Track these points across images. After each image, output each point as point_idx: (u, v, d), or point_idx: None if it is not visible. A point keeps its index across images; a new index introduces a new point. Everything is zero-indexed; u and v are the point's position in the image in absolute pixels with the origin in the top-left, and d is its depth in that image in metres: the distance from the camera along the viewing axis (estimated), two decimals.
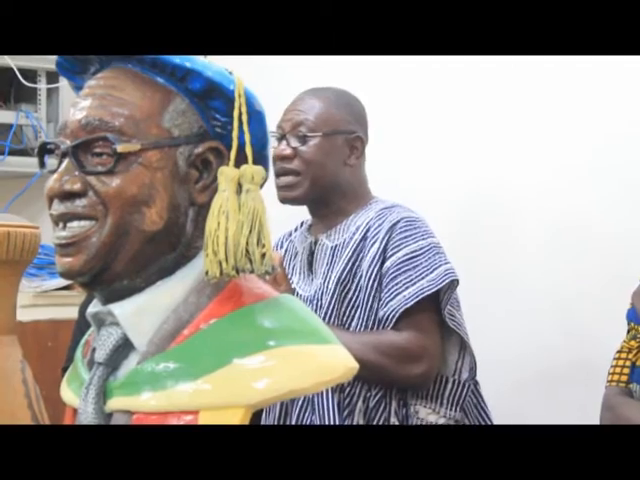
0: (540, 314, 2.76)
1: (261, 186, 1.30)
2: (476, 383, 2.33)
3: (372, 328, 2.25)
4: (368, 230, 2.31)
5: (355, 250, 2.30)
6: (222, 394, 1.20)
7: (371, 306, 2.25)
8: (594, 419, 2.11)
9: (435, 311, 2.25)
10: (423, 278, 2.22)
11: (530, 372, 2.76)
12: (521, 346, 2.78)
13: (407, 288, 2.22)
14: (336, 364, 1.24)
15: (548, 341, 2.74)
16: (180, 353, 1.24)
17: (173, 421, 1.20)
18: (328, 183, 2.34)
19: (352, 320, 2.27)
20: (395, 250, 2.26)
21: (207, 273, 1.25)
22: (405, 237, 2.27)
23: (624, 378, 2.10)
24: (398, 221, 2.28)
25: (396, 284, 2.23)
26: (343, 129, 2.36)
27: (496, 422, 2.37)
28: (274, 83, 2.43)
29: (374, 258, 2.27)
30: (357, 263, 2.29)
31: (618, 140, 2.64)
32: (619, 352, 2.15)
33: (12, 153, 3.72)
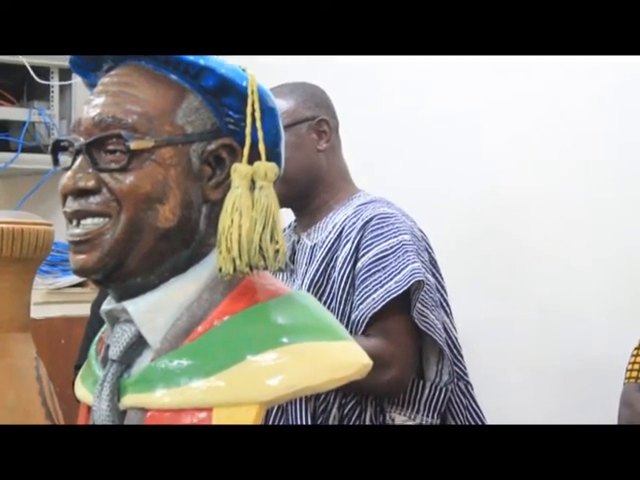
0: (552, 315, 2.74)
1: (274, 183, 1.30)
2: (467, 384, 2.24)
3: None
4: (343, 228, 2.22)
5: (330, 250, 2.22)
6: (236, 391, 1.20)
7: (344, 310, 2.17)
8: (613, 417, 2.11)
9: (407, 313, 2.14)
10: (391, 280, 2.12)
11: (545, 372, 2.75)
12: (535, 346, 2.77)
13: (376, 291, 2.12)
14: (350, 361, 1.25)
15: (562, 341, 2.72)
16: (194, 350, 1.24)
17: (187, 418, 1.20)
18: (304, 177, 2.26)
19: None
20: (366, 250, 2.16)
21: (220, 270, 1.25)
22: (376, 236, 2.17)
23: None
24: (371, 218, 2.19)
25: (366, 286, 2.13)
26: (304, 116, 2.29)
27: (507, 422, 2.36)
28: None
29: (346, 259, 2.18)
30: (331, 264, 2.21)
31: (629, 147, 2.62)
32: (637, 349, 2.14)
33: (25, 150, 3.73)
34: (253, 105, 1.30)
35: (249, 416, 1.19)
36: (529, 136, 2.80)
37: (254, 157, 1.29)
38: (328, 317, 1.31)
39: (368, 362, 1.26)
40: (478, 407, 2.27)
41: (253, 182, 1.28)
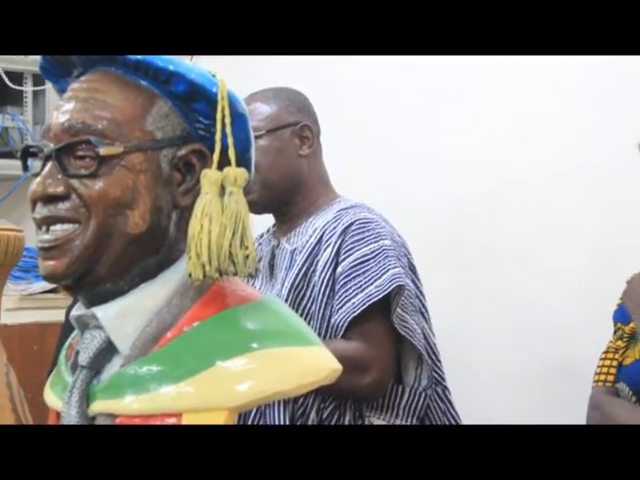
0: (526, 318, 2.75)
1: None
2: (444, 389, 2.26)
3: (325, 337, 2.16)
4: (324, 233, 2.22)
5: (310, 255, 2.23)
6: (205, 396, 1.20)
7: (324, 314, 2.17)
8: (581, 419, 2.12)
9: (386, 317, 2.15)
10: (372, 284, 2.13)
11: (521, 376, 2.76)
12: (510, 350, 2.78)
13: (356, 295, 2.12)
14: (319, 366, 1.25)
15: (537, 345, 2.73)
16: (163, 356, 1.24)
17: (156, 424, 1.20)
18: (285, 182, 2.27)
19: None
20: (347, 255, 2.17)
21: (190, 276, 1.25)
22: (357, 240, 2.18)
23: (611, 378, 2.11)
24: (352, 223, 2.20)
25: (346, 291, 2.14)
26: (287, 122, 2.30)
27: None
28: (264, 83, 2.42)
29: (327, 263, 2.18)
30: (312, 268, 2.21)
31: (602, 152, 2.63)
32: (606, 352, 2.15)
33: None
34: (223, 111, 1.30)
35: (218, 422, 1.19)
36: (504, 142, 2.81)
37: (224, 163, 1.29)
38: (298, 322, 1.31)
39: (337, 367, 1.26)
40: (456, 412, 2.28)
41: (223, 188, 1.28)
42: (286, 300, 2.20)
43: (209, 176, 1.27)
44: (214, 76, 1.32)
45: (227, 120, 1.30)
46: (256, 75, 2.73)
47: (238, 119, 1.32)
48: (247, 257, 1.26)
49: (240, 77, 2.31)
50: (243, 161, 1.32)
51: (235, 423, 2.16)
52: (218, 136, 1.29)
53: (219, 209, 1.26)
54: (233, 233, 1.26)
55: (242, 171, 1.29)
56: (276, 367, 1.21)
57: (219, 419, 1.19)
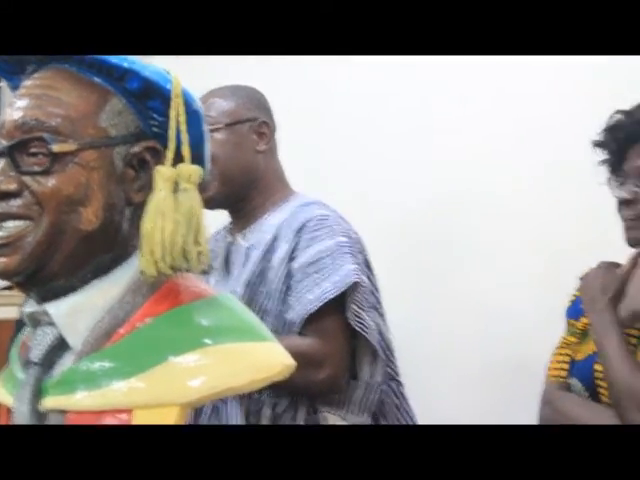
0: (482, 316, 2.78)
1: (199, 185, 1.30)
2: (398, 384, 2.27)
3: (281, 333, 2.16)
4: (280, 230, 2.23)
5: (266, 251, 2.23)
6: (157, 392, 1.20)
7: (279, 310, 2.18)
8: (533, 415, 2.14)
9: (342, 313, 2.16)
10: (327, 281, 2.13)
11: (476, 372, 2.78)
12: (462, 347, 2.80)
13: (312, 291, 2.13)
14: (272, 362, 1.25)
15: (492, 342, 2.76)
16: (115, 352, 1.25)
17: (107, 420, 1.20)
18: (242, 177, 2.28)
19: None
20: (302, 251, 2.18)
21: (143, 272, 1.26)
22: (313, 237, 2.18)
23: (563, 373, 2.12)
24: (309, 220, 2.20)
25: (302, 287, 2.15)
26: (245, 117, 2.30)
27: (438, 422, 2.38)
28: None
29: (283, 260, 2.19)
30: (267, 265, 2.22)
31: (559, 156, 2.66)
32: (558, 348, 2.17)
33: None
34: (177, 108, 1.30)
35: (170, 418, 1.19)
36: (462, 144, 2.83)
37: (178, 160, 1.30)
38: (251, 319, 1.31)
39: (291, 363, 1.27)
40: (409, 407, 2.29)
41: (177, 185, 1.28)
42: (242, 296, 2.20)
43: (163, 173, 1.28)
44: (168, 73, 1.33)
45: (181, 117, 1.30)
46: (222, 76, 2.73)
47: (192, 116, 1.32)
48: (200, 254, 1.26)
49: (209, 77, 2.33)
50: (197, 158, 1.32)
51: (188, 419, 2.20)
52: (172, 133, 1.30)
53: (173, 206, 1.26)
54: (187, 230, 1.26)
55: (196, 168, 1.29)
56: (229, 363, 1.22)
57: (171, 415, 1.19)
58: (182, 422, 1.20)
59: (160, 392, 1.20)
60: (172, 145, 1.29)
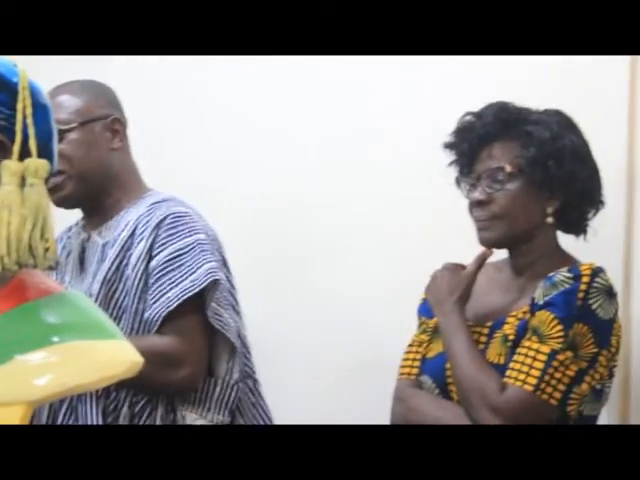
0: (333, 312, 2.79)
1: (46, 180, 1.28)
2: (255, 382, 2.28)
3: (139, 331, 2.16)
4: (136, 227, 2.21)
5: (122, 248, 2.21)
6: (2, 390, 1.18)
7: (137, 308, 2.17)
8: (386, 412, 2.17)
9: (201, 312, 2.16)
10: (186, 279, 2.14)
11: (331, 369, 2.80)
12: (322, 344, 2.82)
13: (171, 289, 2.13)
14: (121, 359, 1.24)
15: (339, 338, 2.77)
16: None
17: None
18: (97, 175, 2.25)
19: (119, 322, 2.16)
20: (160, 249, 2.17)
21: None
22: (171, 234, 2.18)
23: (415, 371, 2.15)
24: (166, 217, 2.19)
25: (160, 285, 2.14)
26: (98, 115, 2.28)
27: (293, 419, 2.39)
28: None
29: (140, 257, 2.17)
30: (124, 262, 2.20)
31: (408, 155, 2.70)
32: (410, 346, 2.20)
33: None
34: (24, 101, 1.28)
35: (15, 416, 1.17)
36: (317, 141, 2.85)
37: (25, 154, 1.28)
38: (100, 316, 1.30)
39: (139, 360, 1.26)
40: (266, 405, 2.31)
41: (24, 179, 1.26)
42: (98, 294, 2.18)
43: (9, 167, 1.26)
44: (15, 66, 1.31)
45: (28, 110, 1.28)
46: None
47: (40, 110, 1.31)
48: (47, 250, 1.24)
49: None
50: (45, 152, 1.30)
51: (45, 419, 2.16)
52: (19, 126, 1.28)
53: (19, 201, 1.24)
54: (33, 225, 1.24)
55: (43, 162, 1.28)
56: (76, 361, 1.21)
57: (17, 413, 1.17)
58: (27, 420, 1.18)
59: (5, 390, 1.18)
60: (19, 139, 1.27)
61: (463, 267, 2.11)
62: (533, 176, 2.02)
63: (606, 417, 2.27)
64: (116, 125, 2.29)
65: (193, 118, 3.00)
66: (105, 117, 2.29)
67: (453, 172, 2.15)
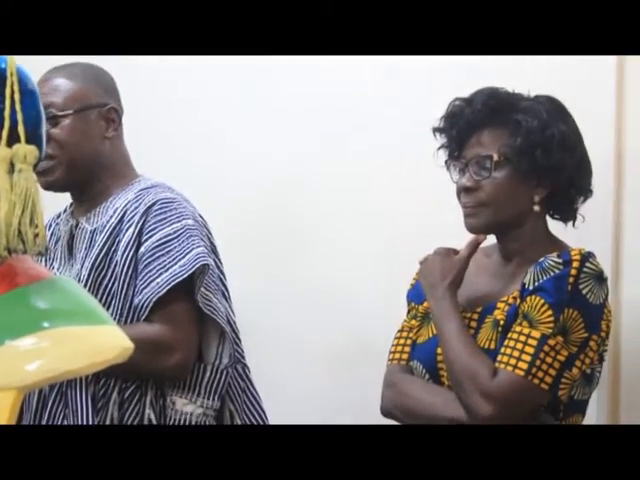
0: (326, 299, 2.80)
1: (34, 166, 1.28)
2: (244, 367, 2.28)
3: (128, 317, 2.17)
4: (125, 213, 2.22)
5: (111, 234, 2.21)
6: None
7: (126, 294, 2.17)
8: (376, 397, 2.17)
9: (191, 297, 2.16)
10: (176, 264, 2.14)
11: (320, 355, 2.80)
12: (311, 330, 2.82)
13: (160, 275, 2.13)
14: (111, 345, 1.25)
15: (337, 325, 2.78)
16: None
17: None
18: (88, 163, 2.25)
19: (108, 308, 2.17)
20: (149, 234, 2.17)
21: None
22: (160, 220, 2.18)
23: (405, 356, 2.16)
24: (154, 203, 2.20)
25: (149, 271, 2.14)
26: (95, 103, 2.27)
27: (282, 405, 2.40)
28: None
29: (129, 243, 2.18)
30: (113, 248, 2.20)
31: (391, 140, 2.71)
32: (400, 331, 2.21)
33: None
34: (12, 87, 1.28)
35: (6, 402, 1.17)
36: (304, 129, 2.85)
37: (14, 140, 1.28)
38: (90, 301, 1.30)
39: (129, 345, 1.26)
40: (255, 390, 2.31)
41: (12, 165, 1.26)
42: (87, 280, 2.18)
43: None
44: None
45: (16, 96, 1.28)
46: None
47: (28, 96, 1.31)
48: (37, 235, 1.25)
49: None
50: (34, 138, 1.30)
51: (34, 406, 2.16)
52: (7, 112, 1.28)
53: (8, 187, 1.25)
54: (22, 211, 1.25)
55: (32, 148, 1.28)
56: (67, 346, 1.21)
57: (7, 399, 1.17)
58: (18, 406, 1.18)
59: None
60: (7, 124, 1.28)
61: (456, 252, 2.11)
62: (520, 165, 2.02)
63: (596, 401, 2.28)
64: (112, 114, 2.29)
65: (190, 113, 3.00)
66: (101, 106, 2.28)
67: (442, 156, 2.15)
